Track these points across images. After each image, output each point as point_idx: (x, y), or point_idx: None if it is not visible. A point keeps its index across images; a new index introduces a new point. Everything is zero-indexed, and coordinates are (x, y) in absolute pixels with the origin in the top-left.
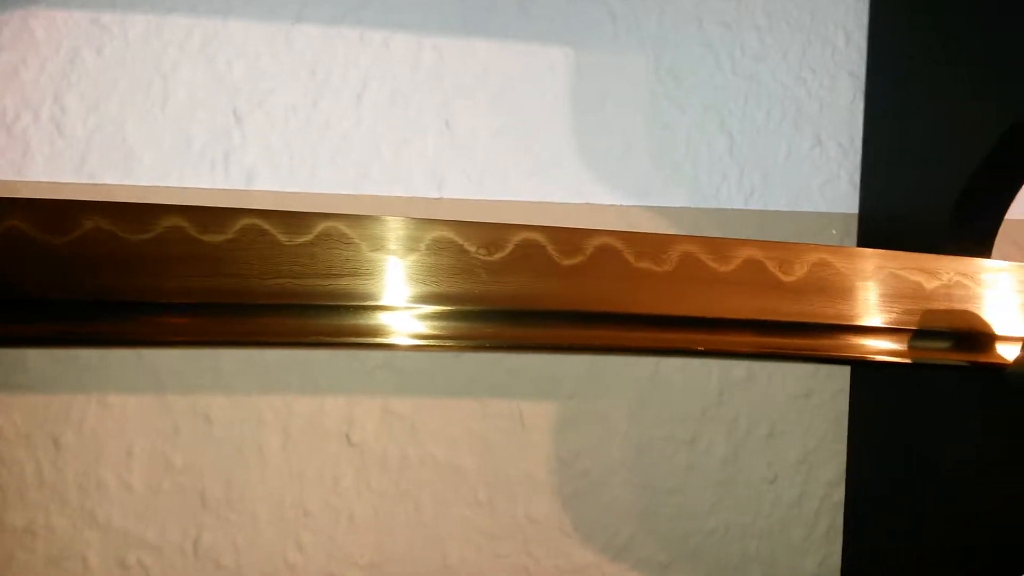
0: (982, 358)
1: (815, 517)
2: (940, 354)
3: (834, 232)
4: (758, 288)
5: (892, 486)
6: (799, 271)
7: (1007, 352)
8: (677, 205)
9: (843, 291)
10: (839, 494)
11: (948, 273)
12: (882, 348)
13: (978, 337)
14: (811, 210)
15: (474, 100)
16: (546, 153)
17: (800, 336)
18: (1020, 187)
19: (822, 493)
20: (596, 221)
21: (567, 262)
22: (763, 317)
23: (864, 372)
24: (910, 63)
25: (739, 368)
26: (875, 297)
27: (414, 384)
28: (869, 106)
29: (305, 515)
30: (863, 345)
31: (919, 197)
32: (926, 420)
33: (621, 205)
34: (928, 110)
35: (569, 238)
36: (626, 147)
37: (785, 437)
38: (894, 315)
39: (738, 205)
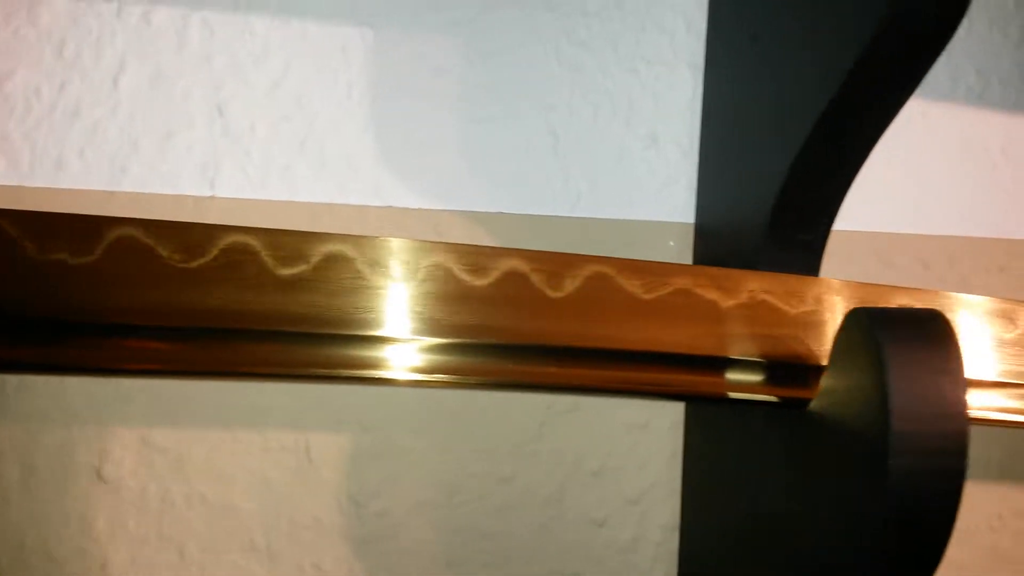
0: (784, 392)
1: (651, 564)
2: (724, 385)
3: (672, 244)
4: (514, 303)
5: (723, 530)
6: (569, 286)
7: (819, 382)
8: (492, 211)
9: (620, 311)
10: (677, 538)
11: (748, 291)
12: (652, 379)
13: (782, 367)
14: (646, 219)
15: (251, 85)
16: (338, 148)
17: (562, 364)
18: (843, 188)
19: (658, 538)
20: (398, 226)
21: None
22: (520, 341)
23: (696, 403)
24: (749, 53)
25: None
26: (659, 318)
27: (179, 412)
28: (707, 102)
29: (50, 561)
30: (632, 376)
31: (750, 204)
32: (747, 458)
33: (428, 209)
34: (763, 107)
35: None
36: (433, 143)
37: (617, 474)
38: (679, 339)
39: (562, 212)
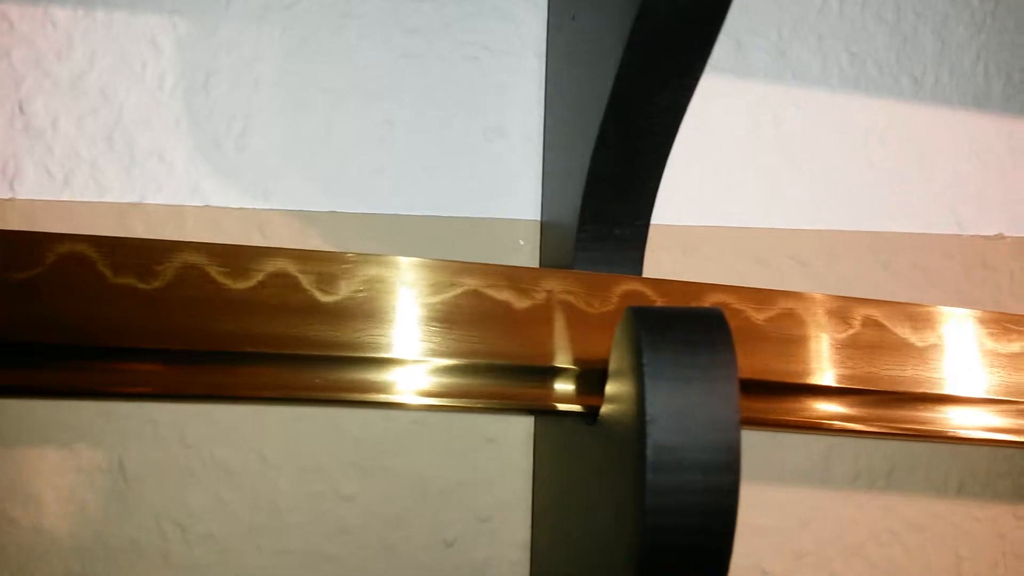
0: (585, 400)
1: None
2: (517, 394)
3: (521, 243)
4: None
5: (568, 548)
6: (345, 289)
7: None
8: (320, 209)
9: (386, 313)
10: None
11: (546, 291)
12: (417, 389)
13: (584, 373)
14: (493, 216)
15: (53, 78)
16: (149, 143)
17: (330, 370)
18: (652, 178)
19: (512, 556)
20: (218, 228)
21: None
22: (287, 350)
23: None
24: (569, 35)
25: None
26: (449, 321)
27: None
28: (547, 91)
29: None
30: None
31: (569, 197)
32: (574, 471)
33: (251, 208)
34: (574, 92)
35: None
36: (254, 137)
37: (466, 490)
38: (467, 345)
39: (400, 210)
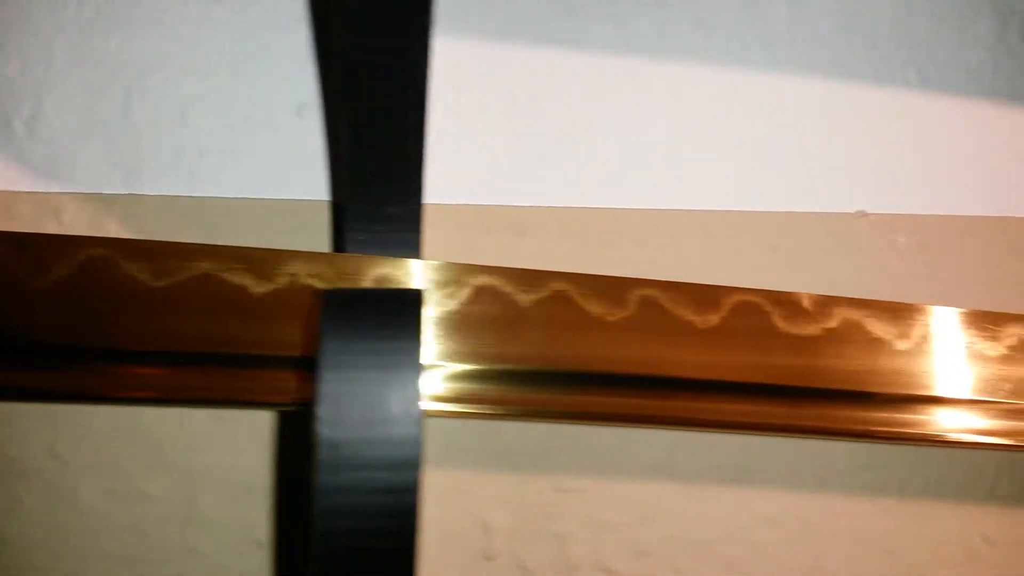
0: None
1: None
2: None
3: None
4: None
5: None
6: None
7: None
8: (118, 192)
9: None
10: None
11: (289, 274)
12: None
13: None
14: (292, 198)
15: None
16: None
17: None
18: (414, 153)
19: None
20: (11, 213)
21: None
22: None
23: None
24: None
25: None
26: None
27: None
28: (318, 59)
29: None
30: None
31: (342, 174)
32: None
33: (43, 192)
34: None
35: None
36: (42, 116)
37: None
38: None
39: (202, 192)
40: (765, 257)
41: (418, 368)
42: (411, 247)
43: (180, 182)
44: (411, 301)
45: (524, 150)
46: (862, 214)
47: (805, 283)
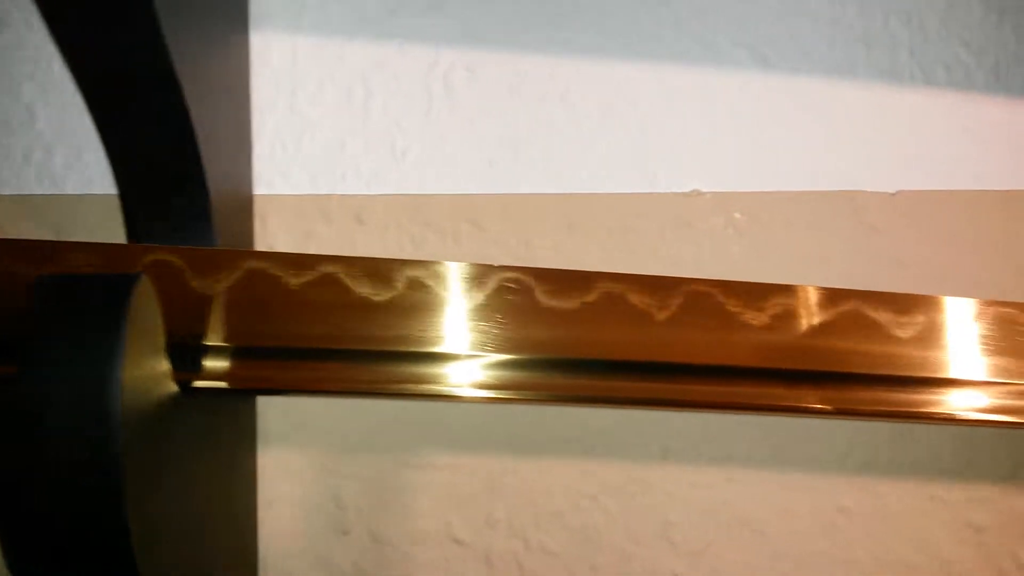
0: None
1: None
2: None
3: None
4: None
5: None
6: None
7: None
8: None
9: None
10: None
11: (320, 271)
12: None
13: None
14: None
15: None
16: None
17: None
18: (187, 142)
19: None
20: None
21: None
22: None
23: None
24: None
25: None
26: None
27: None
28: None
29: None
30: None
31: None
32: None
33: None
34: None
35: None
36: None
37: None
38: None
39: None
40: (598, 237)
41: (119, 348)
42: (206, 239)
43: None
44: (117, 287)
45: (361, 141)
46: (697, 193)
47: (641, 262)
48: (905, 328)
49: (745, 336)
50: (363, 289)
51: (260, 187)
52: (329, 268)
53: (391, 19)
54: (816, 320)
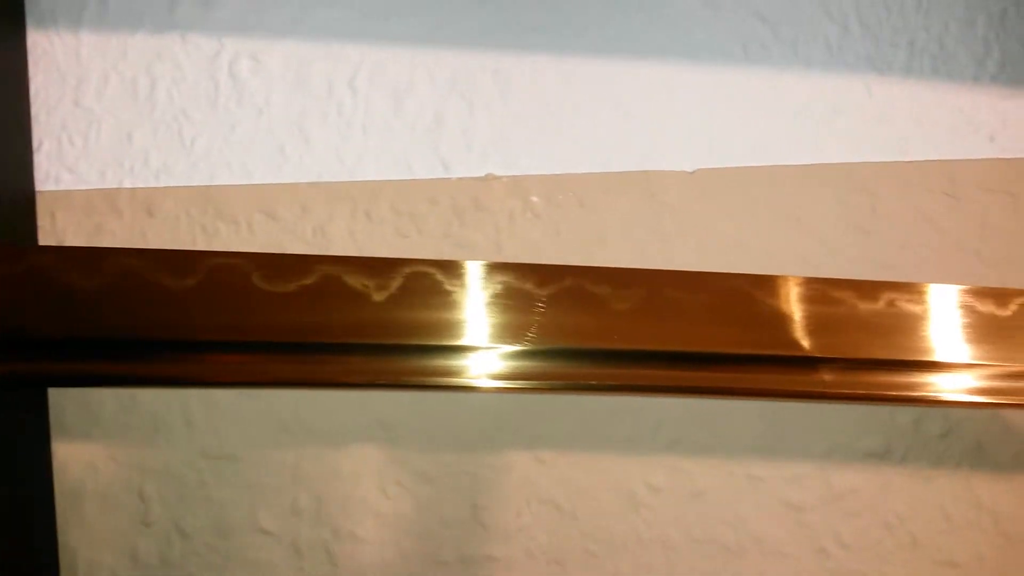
0: None
1: None
2: None
3: None
4: None
5: None
6: None
7: None
8: None
9: None
10: None
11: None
12: None
13: None
14: None
15: None
16: None
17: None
18: None
19: None
20: None
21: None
22: None
23: None
24: None
25: None
26: None
27: None
28: None
29: None
30: None
31: None
32: None
33: None
34: None
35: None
36: None
37: None
38: None
39: None
40: (393, 223)
41: None
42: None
43: None
44: None
45: (149, 133)
46: (492, 177)
47: (435, 247)
48: (623, 301)
49: (452, 314)
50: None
51: (48, 183)
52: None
53: (172, 11)
54: (543, 295)
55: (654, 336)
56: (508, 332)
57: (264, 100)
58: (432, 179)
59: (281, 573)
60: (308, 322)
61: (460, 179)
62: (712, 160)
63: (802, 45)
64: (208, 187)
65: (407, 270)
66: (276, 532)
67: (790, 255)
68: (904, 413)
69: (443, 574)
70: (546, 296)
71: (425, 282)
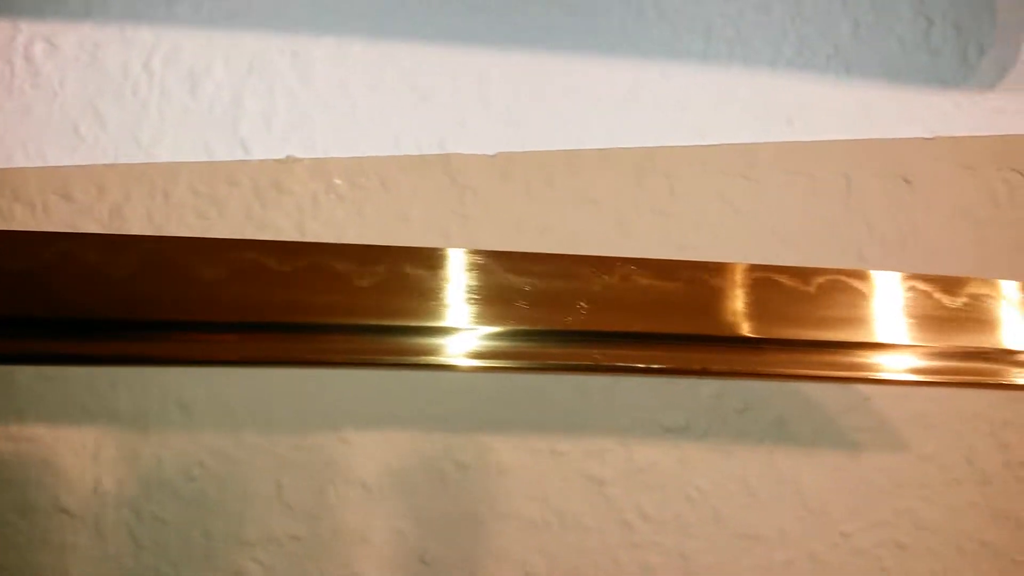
0: None
1: None
2: None
3: None
4: None
5: None
6: None
7: None
8: None
9: None
10: None
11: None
12: None
13: None
14: None
15: None
16: None
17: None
18: None
19: None
20: None
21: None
22: None
23: None
24: None
25: None
26: None
27: None
28: None
29: None
30: None
31: None
32: None
33: None
34: None
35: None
36: None
37: None
38: None
39: None
40: (192, 204)
41: None
42: None
43: None
44: None
45: None
46: (293, 159)
47: (237, 228)
48: (364, 278)
49: (200, 291)
50: None
51: None
52: None
53: None
54: (281, 272)
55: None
56: None
57: (59, 83)
58: (232, 161)
59: (85, 555)
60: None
61: (261, 161)
62: (513, 144)
63: (600, 31)
64: (4, 170)
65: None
66: (76, 511)
67: (590, 237)
68: (706, 387)
69: (247, 554)
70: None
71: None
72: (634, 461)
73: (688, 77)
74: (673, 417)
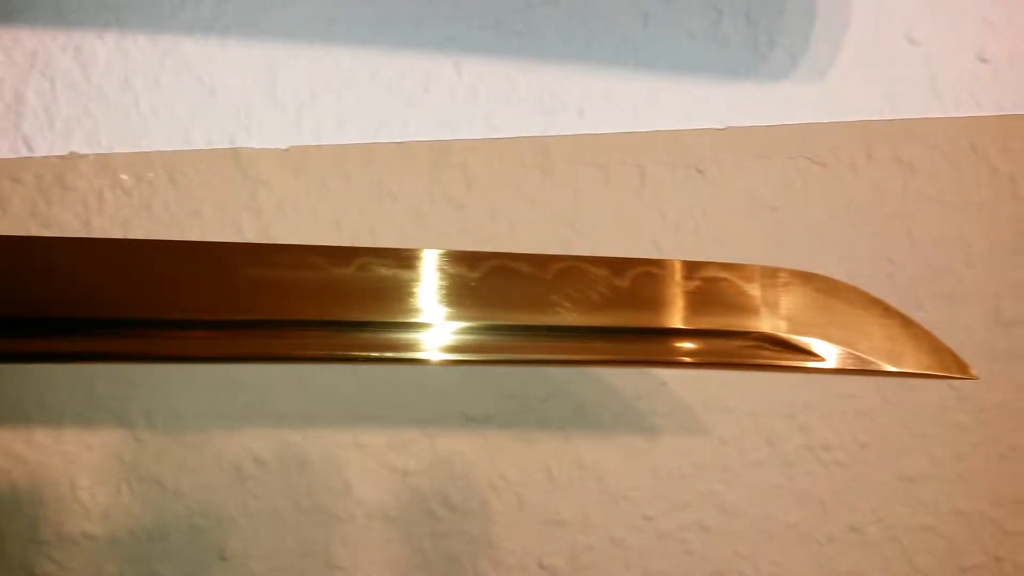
0: None
1: None
2: None
3: None
4: None
5: None
6: None
7: None
8: None
9: None
10: None
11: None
12: None
13: None
14: None
15: None
16: None
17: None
18: None
19: None
20: None
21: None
22: None
23: None
24: None
25: None
26: None
27: None
28: None
29: None
30: None
31: None
32: None
33: None
34: None
35: None
36: None
37: None
38: None
39: None
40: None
41: None
42: None
43: None
44: None
45: None
46: (76, 155)
47: (20, 225)
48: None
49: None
50: None
51: None
52: None
53: None
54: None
55: None
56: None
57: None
58: (14, 158)
59: None
60: None
61: (44, 157)
62: (305, 138)
63: (391, 23)
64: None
65: None
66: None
67: (387, 229)
68: (513, 376)
69: (40, 553)
70: None
71: None
72: (438, 451)
73: (479, 71)
74: (478, 407)
